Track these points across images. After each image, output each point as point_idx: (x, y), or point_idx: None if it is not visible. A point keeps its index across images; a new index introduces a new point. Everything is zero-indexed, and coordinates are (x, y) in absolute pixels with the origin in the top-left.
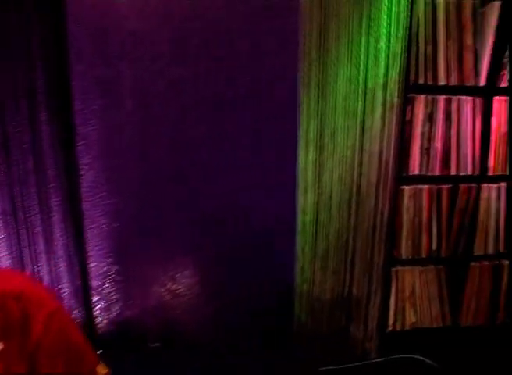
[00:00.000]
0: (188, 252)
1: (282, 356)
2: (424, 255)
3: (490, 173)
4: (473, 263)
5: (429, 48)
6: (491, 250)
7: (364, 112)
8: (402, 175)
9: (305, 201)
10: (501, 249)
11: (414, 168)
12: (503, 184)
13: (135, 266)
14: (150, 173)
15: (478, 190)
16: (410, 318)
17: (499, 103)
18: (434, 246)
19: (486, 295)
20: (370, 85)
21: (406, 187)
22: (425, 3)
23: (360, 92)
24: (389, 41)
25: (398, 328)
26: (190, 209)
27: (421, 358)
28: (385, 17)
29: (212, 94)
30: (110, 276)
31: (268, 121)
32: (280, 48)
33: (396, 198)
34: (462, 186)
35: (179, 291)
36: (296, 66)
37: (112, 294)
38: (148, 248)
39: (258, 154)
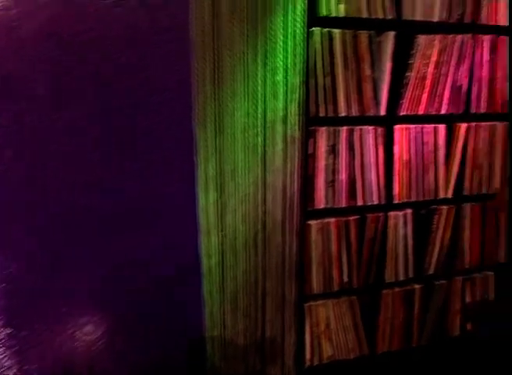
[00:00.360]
0: (89, 310)
1: None
2: (336, 288)
3: (396, 201)
4: (385, 291)
5: (328, 80)
6: (401, 276)
7: (264, 147)
8: (308, 209)
9: (209, 243)
10: (411, 275)
11: (320, 201)
12: (408, 211)
13: (29, 328)
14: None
15: (385, 218)
16: (327, 351)
17: (400, 131)
18: (345, 278)
19: (400, 320)
20: (269, 119)
21: (313, 222)
22: (322, 35)
23: (259, 127)
24: (286, 74)
25: (316, 363)
26: (83, 268)
27: None
28: (282, 50)
29: (99, 137)
30: (1, 340)
31: (163, 162)
32: (172, 84)
33: (303, 233)
34: (369, 216)
35: (81, 349)
36: (190, 101)
37: (3, 360)
38: (43, 308)
39: (153, 198)
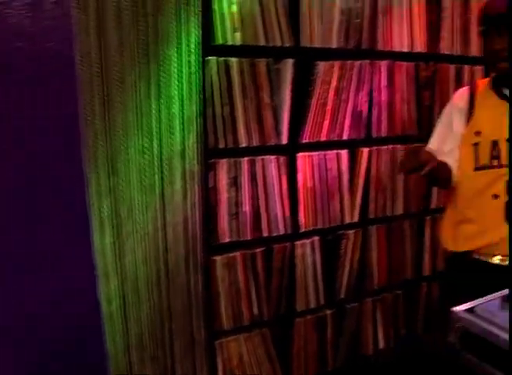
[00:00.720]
0: None
1: None
2: (246, 322)
3: (302, 230)
4: (297, 319)
5: (227, 110)
6: (313, 303)
7: (162, 183)
8: (212, 244)
9: (108, 287)
10: (322, 301)
11: (224, 235)
12: (315, 238)
13: None
14: None
15: (293, 248)
16: None
17: (303, 159)
18: (256, 311)
19: (314, 346)
20: (166, 154)
21: (218, 257)
22: (218, 64)
23: (156, 163)
24: (182, 105)
25: None
26: None
27: None
28: (176, 81)
29: None
30: None
31: (53, 205)
32: (58, 122)
33: (208, 269)
34: (276, 246)
35: None
36: (79, 139)
37: None
38: None
39: (44, 243)
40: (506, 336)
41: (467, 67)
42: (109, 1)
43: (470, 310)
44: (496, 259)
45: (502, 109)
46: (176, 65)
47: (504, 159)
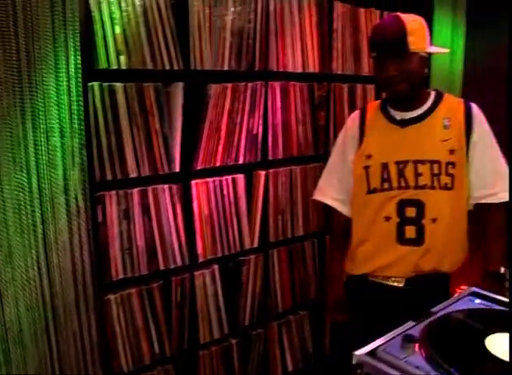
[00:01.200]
0: None
1: None
2: (148, 361)
3: (201, 259)
4: (201, 352)
5: (113, 139)
6: (217, 334)
7: (44, 223)
8: (105, 282)
9: None
10: (226, 331)
11: (118, 272)
12: (215, 267)
13: None
14: None
15: (192, 278)
16: None
17: (197, 186)
18: (157, 349)
19: None
20: (47, 191)
21: (111, 296)
22: (102, 89)
23: (36, 201)
24: (63, 136)
25: None
26: None
27: None
28: (55, 109)
29: None
30: None
31: None
32: None
33: (102, 309)
34: (174, 279)
35: None
36: None
37: None
38: None
39: None
40: None
41: (359, 86)
42: None
43: (371, 353)
44: (391, 281)
45: (390, 132)
46: (54, 91)
47: (394, 181)
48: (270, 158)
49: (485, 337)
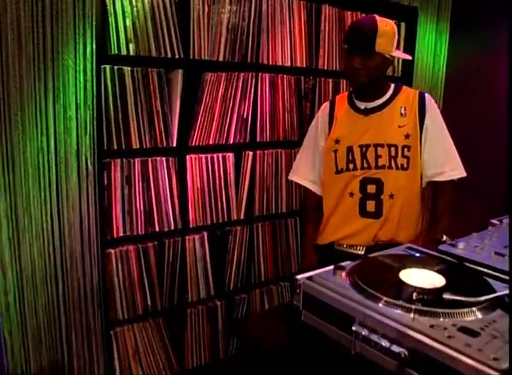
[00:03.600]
0: None
1: None
2: (141, 312)
3: (191, 225)
4: (189, 309)
5: (120, 115)
6: (203, 294)
7: (58, 181)
8: (106, 238)
9: (5, 282)
10: (212, 292)
11: (118, 231)
12: (204, 233)
13: None
14: None
15: (183, 242)
16: (138, 373)
17: (191, 161)
18: (149, 301)
19: (206, 335)
20: (62, 154)
21: (112, 250)
22: (112, 72)
23: (52, 162)
24: (78, 109)
25: None
26: None
27: None
28: (73, 86)
29: None
30: None
31: None
32: None
33: (103, 262)
34: (167, 240)
35: None
36: None
37: None
38: None
39: None
40: (334, 295)
41: (343, 81)
42: (8, 12)
43: (309, 278)
44: (353, 249)
45: (355, 120)
46: (72, 72)
47: (358, 162)
48: (258, 140)
49: (400, 270)
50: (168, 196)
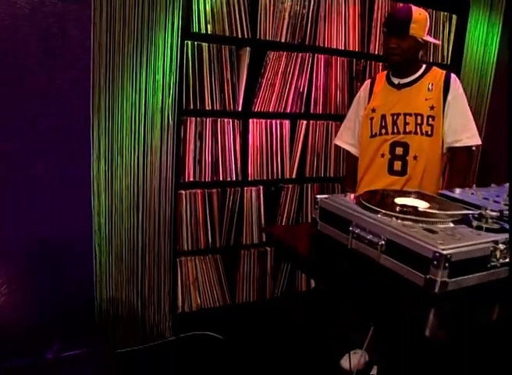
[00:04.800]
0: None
1: (86, 344)
2: (202, 247)
3: (250, 179)
4: (242, 251)
5: (197, 81)
6: (256, 240)
7: (145, 131)
8: (179, 181)
9: (99, 205)
10: (264, 239)
11: (189, 176)
12: (260, 187)
13: None
14: None
15: (242, 192)
16: (196, 300)
17: (253, 124)
18: (210, 239)
19: (256, 276)
20: (150, 110)
21: (183, 192)
22: (193, 47)
23: (142, 116)
24: (164, 75)
25: (187, 310)
26: None
27: (209, 333)
28: (162, 56)
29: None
30: None
31: (64, 141)
32: (74, 81)
33: (175, 200)
34: (229, 189)
35: None
36: (87, 93)
37: None
38: None
39: (55, 172)
40: (341, 207)
41: None
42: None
43: (326, 198)
44: None
45: (390, 93)
46: (162, 45)
47: (389, 128)
48: (311, 111)
49: (395, 197)
50: (232, 152)
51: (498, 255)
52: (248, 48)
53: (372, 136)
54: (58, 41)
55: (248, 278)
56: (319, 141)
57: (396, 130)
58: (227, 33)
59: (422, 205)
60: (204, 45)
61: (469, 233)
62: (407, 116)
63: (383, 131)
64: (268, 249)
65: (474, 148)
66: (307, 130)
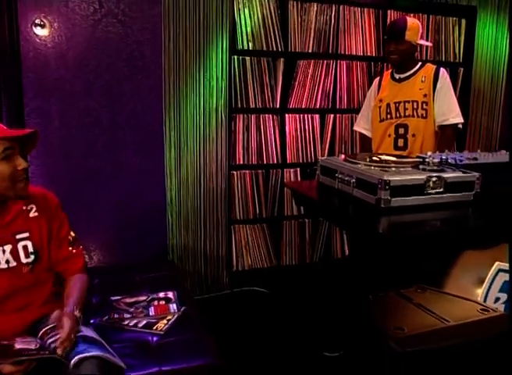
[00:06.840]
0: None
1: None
2: (251, 217)
3: (288, 162)
4: (285, 221)
5: (243, 86)
6: (296, 212)
7: (204, 126)
8: (231, 164)
9: (171, 182)
10: (302, 212)
11: (239, 160)
12: (297, 168)
13: None
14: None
15: (282, 173)
16: (248, 261)
17: (289, 118)
18: (258, 211)
19: (297, 243)
20: (207, 109)
21: (235, 172)
22: (239, 59)
23: (201, 113)
24: (217, 82)
25: (240, 269)
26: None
27: (258, 289)
28: (214, 68)
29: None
30: None
31: (145, 134)
32: (150, 88)
33: (229, 179)
34: (271, 170)
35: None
36: (160, 98)
37: None
38: None
39: (138, 158)
40: (333, 162)
41: None
42: (180, 25)
43: (325, 159)
44: None
45: (393, 86)
46: (215, 59)
47: (393, 114)
48: (337, 107)
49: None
50: (273, 141)
51: (431, 185)
52: (282, 59)
53: (381, 120)
54: (138, 60)
55: (290, 244)
56: (345, 130)
57: (398, 115)
58: (264, 48)
59: (389, 158)
60: (247, 59)
61: (412, 171)
62: (406, 103)
63: (389, 116)
64: (307, 221)
65: (460, 126)
66: (335, 122)
